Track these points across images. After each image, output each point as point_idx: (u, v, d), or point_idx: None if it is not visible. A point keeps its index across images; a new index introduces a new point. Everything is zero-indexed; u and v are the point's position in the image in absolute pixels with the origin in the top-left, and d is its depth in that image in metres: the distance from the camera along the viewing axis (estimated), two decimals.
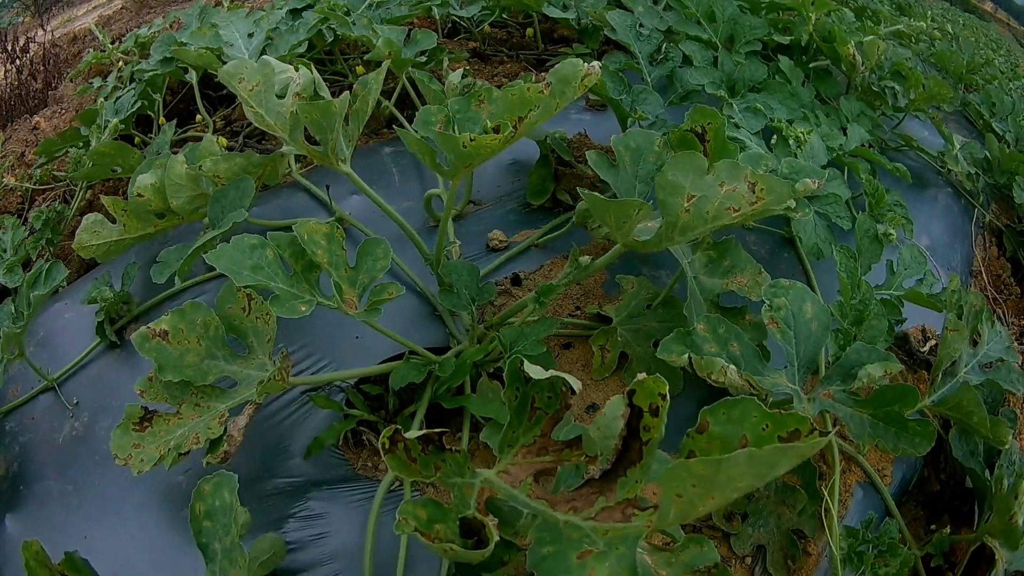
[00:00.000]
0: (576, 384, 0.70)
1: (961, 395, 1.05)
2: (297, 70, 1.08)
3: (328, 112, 0.97)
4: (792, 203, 1.01)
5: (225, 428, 0.90)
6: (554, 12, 1.55)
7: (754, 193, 0.83)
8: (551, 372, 0.70)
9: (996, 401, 1.30)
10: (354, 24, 1.36)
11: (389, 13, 1.50)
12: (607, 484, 0.63)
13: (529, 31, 1.69)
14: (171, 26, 2.06)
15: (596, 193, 0.87)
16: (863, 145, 1.42)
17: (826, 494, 0.92)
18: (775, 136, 1.24)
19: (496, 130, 0.84)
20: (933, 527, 1.21)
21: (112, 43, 2.26)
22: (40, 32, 2.45)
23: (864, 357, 0.96)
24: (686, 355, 0.87)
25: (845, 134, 1.39)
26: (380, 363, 1.03)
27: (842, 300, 1.00)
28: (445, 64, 1.33)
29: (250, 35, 1.45)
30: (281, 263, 0.87)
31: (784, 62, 1.47)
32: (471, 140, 0.82)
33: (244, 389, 0.95)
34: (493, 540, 0.58)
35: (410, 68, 1.28)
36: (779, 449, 0.43)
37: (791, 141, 1.19)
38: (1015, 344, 1.50)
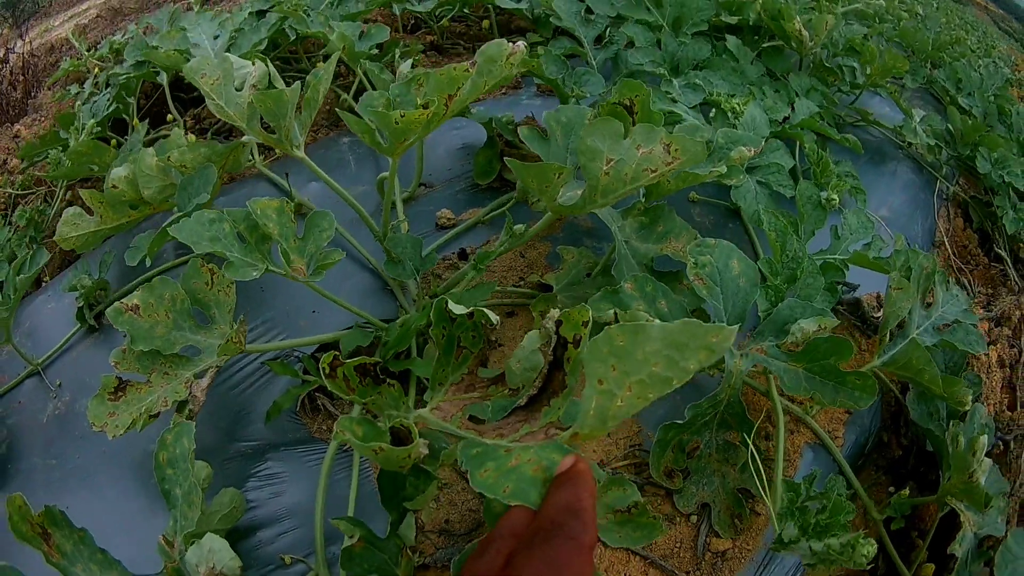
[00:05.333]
0: (494, 318, 0.84)
1: (909, 353, 1.12)
2: (254, 64, 1.26)
3: (280, 100, 1.14)
4: (724, 169, 1.16)
5: (190, 391, 1.06)
6: (507, 3, 1.73)
7: (669, 154, 0.98)
8: (472, 308, 0.84)
9: (958, 365, 1.40)
10: (312, 21, 1.54)
11: (347, 10, 1.69)
12: (531, 412, 0.72)
13: (485, 23, 1.87)
14: (144, 31, 2.27)
15: (516, 160, 1.03)
16: (811, 117, 1.56)
17: (752, 449, 1.04)
18: (714, 109, 1.39)
19: (425, 107, 1.01)
20: (891, 489, 1.32)
21: (88, 50, 2.48)
22: (19, 43, 2.69)
23: (797, 312, 1.06)
24: (612, 311, 1.02)
25: (793, 109, 1.54)
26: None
27: (772, 258, 1.14)
28: (397, 56, 1.50)
29: (216, 36, 1.65)
30: (237, 235, 1.04)
31: (732, 41, 1.62)
32: (401, 116, 0.99)
33: (207, 357, 1.11)
34: (416, 439, 0.70)
35: (363, 60, 1.46)
36: (688, 326, 0.48)
37: (728, 113, 1.34)
38: (976, 309, 1.63)
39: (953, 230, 1.76)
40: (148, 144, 1.82)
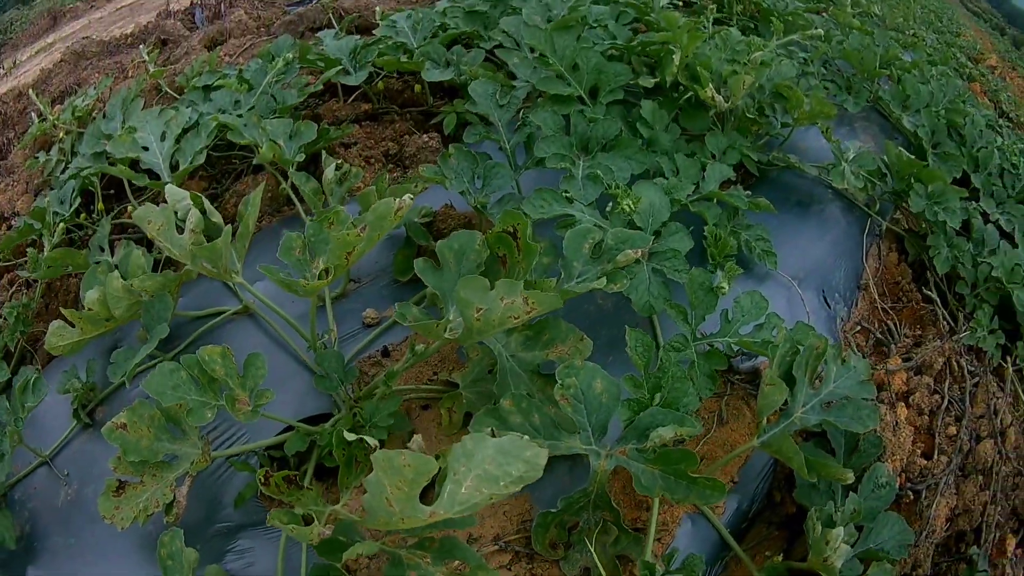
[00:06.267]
0: (374, 442, 1.32)
1: (780, 441, 1.54)
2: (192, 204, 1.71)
3: (215, 251, 1.60)
4: (602, 283, 1.57)
5: (174, 495, 1.59)
6: (434, 76, 2.10)
7: (528, 304, 1.40)
8: (359, 436, 1.32)
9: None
10: (245, 126, 1.96)
11: (284, 101, 2.10)
12: None
13: (418, 87, 2.24)
14: (101, 97, 2.73)
15: (410, 310, 1.47)
16: (724, 183, 1.92)
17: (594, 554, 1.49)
18: (611, 203, 1.77)
19: (327, 272, 1.46)
20: (768, 554, 1.77)
21: (53, 103, 2.97)
22: None
23: (658, 420, 1.44)
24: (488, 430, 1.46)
25: (704, 177, 1.90)
26: (277, 435, 1.70)
27: (635, 376, 1.54)
28: (324, 158, 1.92)
29: (162, 138, 2.09)
30: (192, 380, 1.53)
31: (647, 107, 1.96)
32: (306, 283, 1.44)
33: (184, 462, 1.63)
34: (315, 523, 1.21)
35: (291, 171, 1.89)
36: (513, 440, 1.05)
37: (623, 208, 1.73)
38: (894, 361, 1.99)
39: (885, 267, 2.10)
40: (115, 229, 2.32)
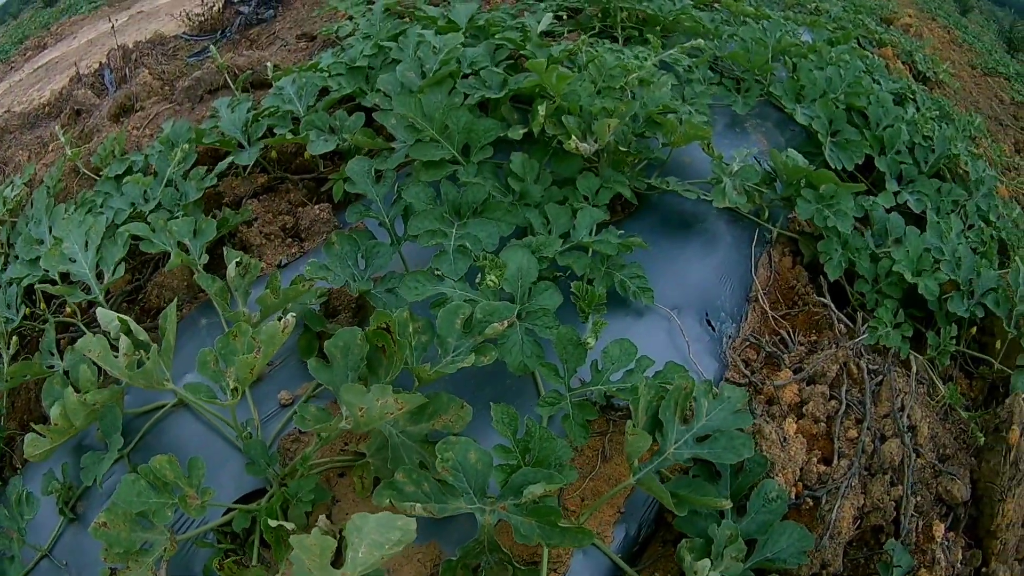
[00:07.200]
0: (291, 527, 2.13)
1: (648, 483, 2.28)
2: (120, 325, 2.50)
3: (147, 372, 2.39)
4: (471, 360, 2.28)
5: None
6: (318, 148, 2.78)
7: (398, 403, 2.15)
8: (282, 523, 2.13)
9: None
10: (157, 236, 2.72)
11: (187, 198, 2.84)
12: None
13: (307, 154, 2.93)
14: (31, 179, 3.54)
15: (308, 410, 2.24)
16: (595, 228, 2.57)
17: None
18: (480, 274, 2.45)
19: (236, 390, 2.23)
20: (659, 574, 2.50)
21: None
22: None
23: (530, 478, 2.16)
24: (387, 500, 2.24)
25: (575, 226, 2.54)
26: (224, 515, 2.53)
27: (504, 445, 2.27)
28: (227, 253, 2.66)
29: (86, 247, 2.87)
30: (151, 486, 2.35)
31: (516, 161, 2.59)
32: (225, 401, 2.23)
33: (158, 547, 2.47)
34: None
35: (198, 273, 2.64)
36: (387, 515, 1.93)
37: (489, 280, 2.41)
38: (783, 374, 2.63)
39: (778, 272, 2.71)
40: (59, 330, 3.16)
